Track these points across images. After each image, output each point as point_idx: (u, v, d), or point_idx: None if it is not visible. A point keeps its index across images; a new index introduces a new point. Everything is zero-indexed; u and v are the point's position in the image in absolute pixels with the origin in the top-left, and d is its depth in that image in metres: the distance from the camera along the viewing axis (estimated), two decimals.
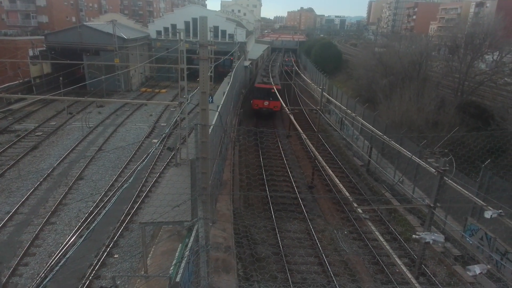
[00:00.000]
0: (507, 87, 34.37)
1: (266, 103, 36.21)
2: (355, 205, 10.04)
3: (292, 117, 23.32)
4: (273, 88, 34.11)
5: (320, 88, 30.40)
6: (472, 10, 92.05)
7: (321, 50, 65.90)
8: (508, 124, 21.54)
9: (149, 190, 19.65)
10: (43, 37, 45.52)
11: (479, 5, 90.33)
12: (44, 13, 69.75)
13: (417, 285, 7.44)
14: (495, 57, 37.74)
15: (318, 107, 23.65)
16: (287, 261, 14.96)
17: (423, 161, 11.31)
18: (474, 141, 19.00)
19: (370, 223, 9.45)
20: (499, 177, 15.33)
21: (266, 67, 52.84)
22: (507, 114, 22.36)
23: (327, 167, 13.29)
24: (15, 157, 23.07)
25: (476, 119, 26.46)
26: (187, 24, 52.10)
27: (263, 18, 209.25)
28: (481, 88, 31.13)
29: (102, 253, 14.37)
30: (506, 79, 37.41)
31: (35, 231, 15.52)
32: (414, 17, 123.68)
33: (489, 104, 28.03)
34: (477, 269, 7.96)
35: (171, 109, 36.11)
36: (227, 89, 26.36)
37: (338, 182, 11.89)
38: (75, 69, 39.94)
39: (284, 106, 28.05)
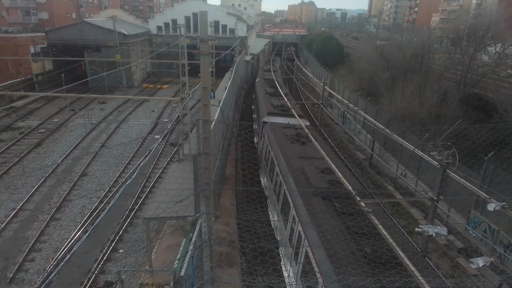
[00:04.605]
0: (510, 79, 34.16)
1: None
2: (358, 198, 10.06)
3: None
4: None
5: (321, 82, 30.33)
6: (474, 1, 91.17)
7: (322, 44, 65.55)
8: (511, 116, 21.44)
9: (153, 186, 19.75)
10: (44, 34, 45.48)
11: None
12: (44, 9, 69.62)
13: (420, 277, 7.48)
14: (497, 49, 37.44)
15: (320, 101, 23.60)
16: None
17: (426, 154, 11.29)
18: (477, 133, 18.89)
19: (373, 217, 9.47)
20: (502, 170, 15.28)
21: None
22: (510, 106, 22.22)
23: (330, 161, 13.30)
24: (19, 154, 23.20)
25: (479, 112, 26.33)
26: (187, 19, 51.94)
27: (264, 12, 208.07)
28: (484, 80, 30.91)
29: (107, 248, 14.50)
30: (509, 71, 37.16)
31: (40, 227, 15.66)
32: (416, 9, 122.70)
33: (492, 96, 27.84)
34: (480, 261, 8.00)
35: (173, 105, 36.12)
36: (228, 84, 26.35)
37: (340, 175, 11.89)
38: (76, 65, 39.97)
39: None
